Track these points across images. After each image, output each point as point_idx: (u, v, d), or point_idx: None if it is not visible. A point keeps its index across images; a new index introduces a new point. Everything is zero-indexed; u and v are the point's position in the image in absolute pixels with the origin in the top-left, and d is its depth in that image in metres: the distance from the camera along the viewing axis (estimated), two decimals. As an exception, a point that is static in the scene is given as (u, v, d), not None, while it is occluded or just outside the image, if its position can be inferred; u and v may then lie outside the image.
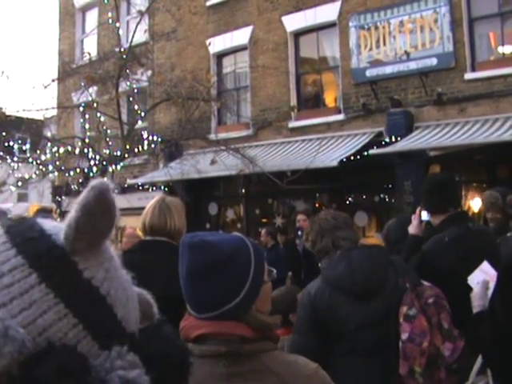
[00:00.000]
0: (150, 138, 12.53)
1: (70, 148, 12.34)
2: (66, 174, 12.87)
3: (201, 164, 12.86)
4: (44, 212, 13.54)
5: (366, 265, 3.10)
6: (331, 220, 3.30)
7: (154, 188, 14.91)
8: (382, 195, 12.37)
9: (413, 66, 11.68)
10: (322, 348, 3.05)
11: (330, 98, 13.73)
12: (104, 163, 11.89)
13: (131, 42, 12.10)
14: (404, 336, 2.94)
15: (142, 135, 12.55)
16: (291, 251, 10.42)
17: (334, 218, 3.31)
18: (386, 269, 3.14)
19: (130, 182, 14.58)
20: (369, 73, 12.29)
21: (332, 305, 3.08)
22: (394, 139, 11.25)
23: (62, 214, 12.29)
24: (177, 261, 3.04)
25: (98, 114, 12.43)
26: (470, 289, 2.89)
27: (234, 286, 1.67)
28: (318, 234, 3.31)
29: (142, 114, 12.52)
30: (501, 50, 11.31)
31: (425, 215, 3.87)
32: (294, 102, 13.55)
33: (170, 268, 2.98)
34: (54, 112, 14.28)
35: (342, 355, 3.07)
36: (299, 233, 8.20)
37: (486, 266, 2.94)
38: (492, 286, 2.66)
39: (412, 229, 3.86)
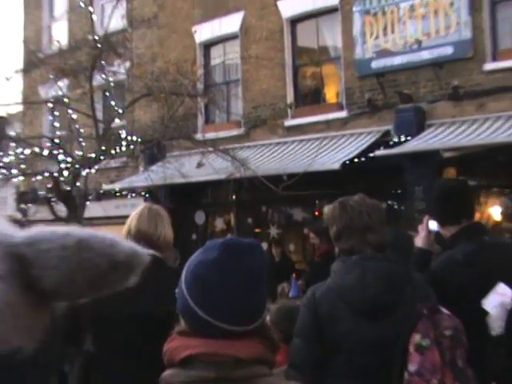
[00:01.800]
0: (129, 137, 12.57)
1: (37, 149, 12.30)
2: (33, 179, 12.80)
3: (186, 167, 12.86)
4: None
5: (382, 280, 3.03)
6: (366, 217, 3.16)
7: (134, 194, 14.89)
8: (389, 202, 12.29)
9: (425, 56, 11.64)
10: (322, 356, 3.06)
11: (331, 93, 13.71)
12: (76, 166, 11.86)
13: (107, 29, 12.12)
14: (412, 368, 2.86)
15: (119, 135, 12.55)
16: (286, 266, 10.48)
17: (369, 214, 3.16)
18: (403, 288, 3.08)
19: (106, 187, 14.55)
20: (375, 64, 12.27)
21: (333, 315, 3.05)
22: (403, 139, 11.25)
23: (29, 224, 12.21)
24: (167, 277, 3.05)
25: (70, 111, 12.42)
26: (485, 314, 2.85)
27: (265, 295, 1.77)
28: (346, 229, 3.17)
29: (120, 110, 12.55)
30: (526, 36, 11.29)
31: (433, 225, 3.80)
32: (290, 97, 13.59)
33: (157, 285, 3.00)
34: (19, 108, 14.24)
35: (335, 375, 3.04)
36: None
37: (501, 287, 2.92)
38: None
39: (419, 241, 3.80)
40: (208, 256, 1.69)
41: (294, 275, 8.65)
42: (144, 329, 3.16)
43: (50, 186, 12.66)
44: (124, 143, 12.40)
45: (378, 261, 3.11)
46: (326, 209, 3.32)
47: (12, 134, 13.47)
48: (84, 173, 11.94)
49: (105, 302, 3.21)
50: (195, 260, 1.73)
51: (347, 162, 10.97)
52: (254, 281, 1.68)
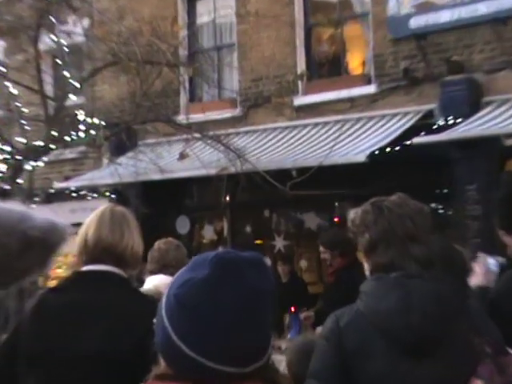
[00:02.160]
0: (89, 120, 12.46)
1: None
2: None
3: (165, 159, 12.86)
4: None
5: (431, 304, 2.98)
6: (408, 223, 3.15)
7: (95, 195, 14.88)
8: (433, 205, 12.25)
9: (482, 9, 11.65)
10: None
11: (355, 62, 13.83)
12: (18, 158, 11.77)
13: (57, -27, 12.06)
14: None
15: (76, 116, 12.44)
16: (296, 288, 10.45)
17: (412, 219, 3.16)
18: (457, 318, 3.05)
19: (58, 185, 14.55)
20: (414, 22, 12.24)
21: (365, 349, 3.00)
22: (451, 121, 11.26)
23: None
24: (130, 302, 3.22)
25: (8, 84, 12.31)
26: None
27: (270, 326, 1.80)
28: (383, 238, 3.16)
29: (77, 84, 12.43)
30: None
31: (493, 263, 3.96)
32: (301, 67, 13.76)
33: (118, 315, 3.14)
34: None
35: None
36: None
37: None
38: None
39: (477, 278, 3.87)
40: (196, 275, 1.69)
41: (292, 308, 8.42)
42: (104, 372, 3.06)
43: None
44: (82, 127, 12.34)
45: (425, 280, 3.07)
46: (354, 213, 3.29)
47: None
48: (29, 166, 11.89)
49: (45, 337, 3.13)
50: (179, 280, 1.73)
51: (376, 153, 11.03)
52: (255, 307, 1.68)
